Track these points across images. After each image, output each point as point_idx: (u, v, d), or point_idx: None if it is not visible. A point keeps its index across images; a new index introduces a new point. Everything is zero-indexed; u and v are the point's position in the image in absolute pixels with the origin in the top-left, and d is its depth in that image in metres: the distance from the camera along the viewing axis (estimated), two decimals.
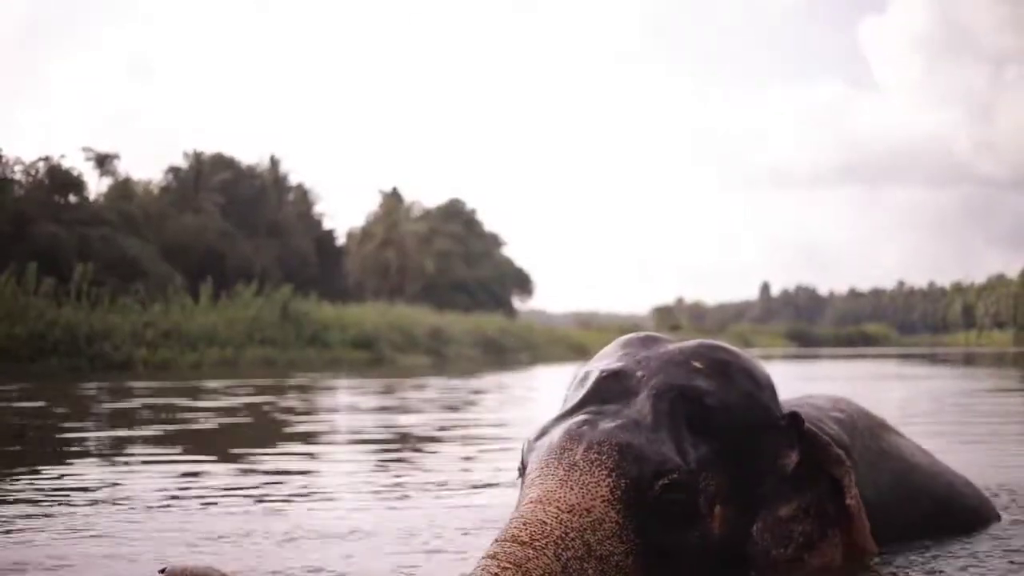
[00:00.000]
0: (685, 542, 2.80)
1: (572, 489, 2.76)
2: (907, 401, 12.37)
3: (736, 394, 3.01)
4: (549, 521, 2.69)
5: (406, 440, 7.91)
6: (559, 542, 2.65)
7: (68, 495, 4.78)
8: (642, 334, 3.30)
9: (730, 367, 3.08)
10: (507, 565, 2.59)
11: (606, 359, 3.18)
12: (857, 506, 3.06)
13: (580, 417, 2.96)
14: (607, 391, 3.04)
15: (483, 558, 2.63)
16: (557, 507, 2.72)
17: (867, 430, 3.53)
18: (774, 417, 3.05)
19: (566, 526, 2.68)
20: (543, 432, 3.00)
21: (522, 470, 2.98)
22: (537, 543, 2.64)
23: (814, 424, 3.16)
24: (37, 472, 5.61)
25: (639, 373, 3.04)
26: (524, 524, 2.69)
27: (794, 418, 3.05)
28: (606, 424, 2.90)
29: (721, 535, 2.86)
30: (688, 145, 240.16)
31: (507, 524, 2.73)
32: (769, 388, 3.12)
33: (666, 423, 2.88)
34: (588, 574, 2.64)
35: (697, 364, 3.05)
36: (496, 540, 2.68)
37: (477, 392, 15.50)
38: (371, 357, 33.09)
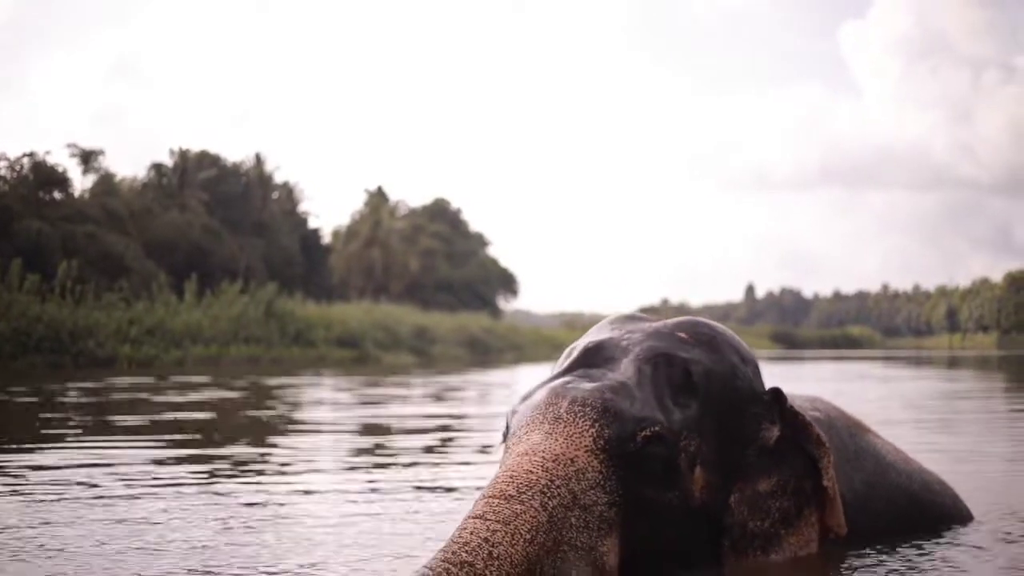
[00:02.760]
0: (666, 500, 2.85)
1: (557, 440, 2.82)
2: (887, 401, 12.43)
3: (720, 364, 3.07)
4: (535, 471, 2.75)
5: (375, 432, 7.92)
6: (545, 491, 2.70)
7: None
8: (628, 313, 3.38)
9: (715, 339, 3.15)
10: (496, 525, 2.64)
11: (593, 334, 3.27)
12: (833, 488, 3.11)
13: (565, 378, 3.04)
14: (593, 358, 3.12)
15: (470, 518, 2.67)
16: (543, 457, 2.78)
17: (844, 429, 3.57)
18: (757, 391, 3.11)
19: (552, 475, 2.74)
20: (527, 396, 3.07)
21: (506, 434, 3.04)
22: (524, 496, 2.69)
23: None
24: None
25: (624, 343, 3.11)
26: (511, 477, 2.74)
27: (777, 394, 3.11)
28: (590, 383, 2.97)
29: (701, 500, 2.92)
30: (672, 147, 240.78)
31: (494, 479, 2.78)
32: (752, 363, 3.18)
33: (650, 384, 2.95)
34: (571, 523, 2.70)
35: (682, 335, 3.13)
36: (484, 496, 2.72)
37: (455, 389, 15.51)
38: (356, 356, 33.05)
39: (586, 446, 2.79)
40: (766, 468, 3.05)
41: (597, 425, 2.82)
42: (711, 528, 2.95)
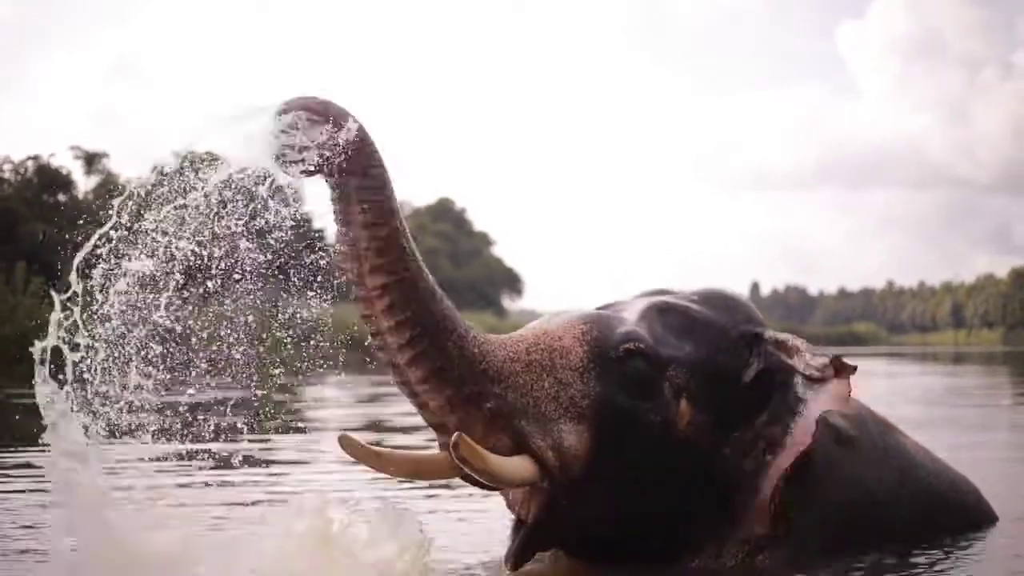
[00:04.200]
0: (645, 418, 2.96)
1: (550, 323, 3.08)
2: (895, 397, 12.39)
3: (723, 318, 3.18)
4: (525, 334, 3.02)
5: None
6: (532, 343, 2.97)
7: None
8: (659, 289, 3.47)
9: (724, 300, 3.29)
10: (489, 339, 2.93)
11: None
12: (819, 367, 3.10)
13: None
14: (610, 306, 3.32)
15: None
16: (534, 329, 3.06)
17: (874, 427, 3.57)
18: (747, 335, 3.17)
19: (538, 338, 2.99)
20: None
21: None
22: (513, 338, 3.00)
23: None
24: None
25: (642, 300, 3.29)
26: (505, 336, 3.02)
27: (756, 328, 3.20)
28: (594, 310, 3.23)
29: (687, 433, 3.01)
30: (673, 147, 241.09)
31: None
32: (760, 323, 3.25)
33: (647, 320, 3.11)
34: (543, 386, 2.91)
35: (695, 296, 3.29)
36: None
37: None
38: (361, 356, 33.02)
39: (574, 334, 3.00)
40: (759, 406, 3.10)
41: (588, 324, 3.04)
42: (699, 471, 3.02)
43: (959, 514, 3.68)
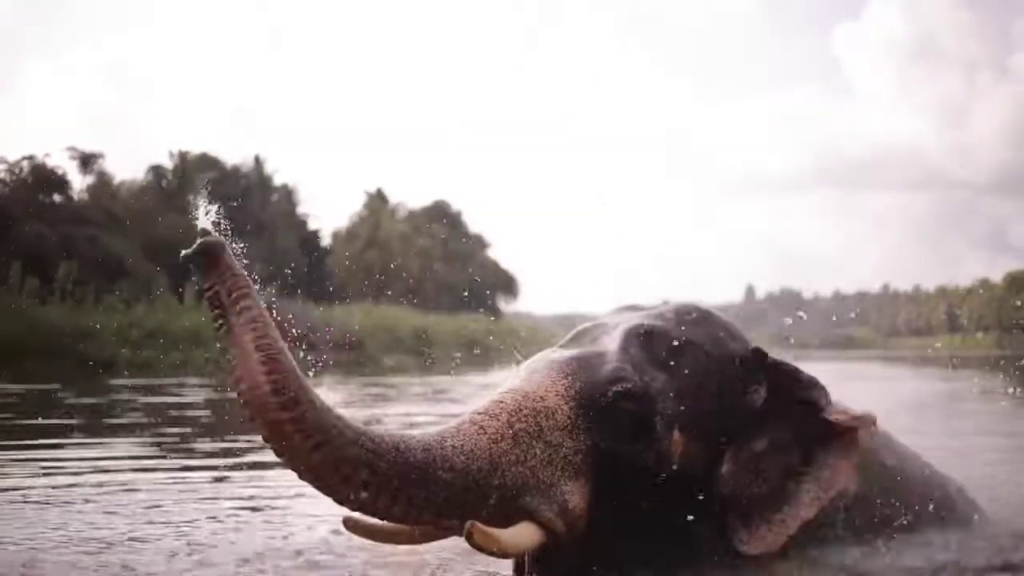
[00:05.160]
0: (640, 458, 2.89)
1: (529, 383, 2.93)
2: (887, 401, 12.40)
3: (704, 337, 3.11)
4: (505, 400, 2.87)
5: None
6: (512, 413, 2.82)
7: None
8: (632, 304, 3.42)
9: (702, 318, 3.20)
10: (464, 425, 2.77)
11: (591, 322, 3.32)
12: (847, 418, 3.06)
13: (550, 350, 3.15)
14: (584, 335, 3.21)
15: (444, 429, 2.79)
16: (513, 392, 2.89)
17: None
18: (738, 354, 3.12)
19: (520, 403, 2.85)
20: (517, 372, 3.13)
21: None
22: (492, 412, 2.82)
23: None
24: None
25: (615, 324, 3.18)
26: (482, 407, 2.87)
27: (756, 352, 3.12)
28: (573, 350, 3.09)
29: (681, 464, 2.94)
30: (669, 149, 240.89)
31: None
32: (742, 341, 3.18)
33: (630, 352, 3.01)
34: (536, 453, 2.79)
35: (670, 315, 3.19)
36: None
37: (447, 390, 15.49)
38: (356, 358, 33.00)
39: (557, 392, 2.90)
40: (758, 430, 3.05)
41: (570, 377, 2.92)
42: (694, 496, 2.96)
43: (947, 515, 3.68)
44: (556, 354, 3.07)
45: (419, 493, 2.63)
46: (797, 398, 3.10)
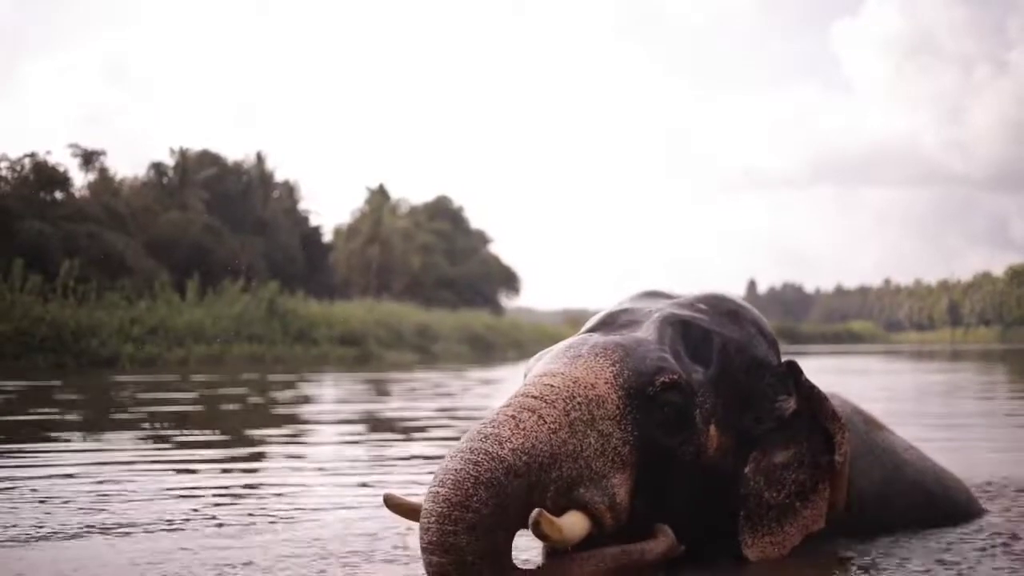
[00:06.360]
0: (681, 451, 2.86)
1: (577, 368, 2.86)
2: (890, 393, 12.42)
3: (739, 334, 3.11)
4: (557, 385, 2.80)
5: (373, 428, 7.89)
6: (568, 400, 2.75)
7: None
8: (654, 289, 3.40)
9: (736, 312, 3.20)
10: (523, 412, 2.70)
11: (616, 305, 3.29)
12: (844, 464, 3.10)
13: (586, 333, 3.10)
14: (615, 320, 3.17)
15: (497, 411, 2.73)
16: (563, 377, 2.82)
17: (860, 425, 3.58)
18: (773, 363, 3.14)
19: (573, 391, 2.78)
20: (548, 350, 3.09)
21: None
22: (548, 398, 2.75)
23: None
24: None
25: (646, 311, 3.15)
26: (533, 387, 2.80)
27: (792, 366, 3.13)
28: (612, 335, 3.02)
29: (715, 459, 2.93)
30: (668, 146, 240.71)
31: (514, 394, 2.81)
32: (771, 338, 3.21)
33: (669, 343, 2.98)
34: (590, 442, 2.73)
35: (703, 306, 3.18)
36: (505, 403, 2.77)
37: (453, 385, 15.50)
38: (358, 354, 33.01)
39: (606, 379, 2.83)
40: (782, 440, 3.06)
41: (618, 364, 2.86)
42: (722, 493, 2.96)
43: (948, 511, 3.71)
44: (597, 337, 3.01)
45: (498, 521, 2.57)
46: (821, 425, 3.11)
